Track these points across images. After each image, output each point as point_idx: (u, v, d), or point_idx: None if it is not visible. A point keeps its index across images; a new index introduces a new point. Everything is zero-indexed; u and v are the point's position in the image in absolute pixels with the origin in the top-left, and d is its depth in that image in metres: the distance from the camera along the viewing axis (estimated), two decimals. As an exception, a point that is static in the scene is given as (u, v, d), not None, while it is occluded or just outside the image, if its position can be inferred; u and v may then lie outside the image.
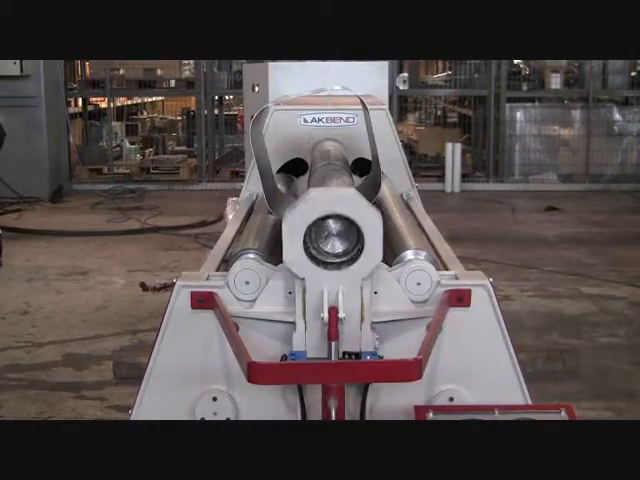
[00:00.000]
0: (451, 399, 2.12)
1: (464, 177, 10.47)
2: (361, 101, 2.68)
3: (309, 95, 2.92)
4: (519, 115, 10.53)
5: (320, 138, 3.10)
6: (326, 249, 2.06)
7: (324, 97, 3.17)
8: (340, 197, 1.96)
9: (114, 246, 7.27)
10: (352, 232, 2.03)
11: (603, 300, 5.52)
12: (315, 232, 2.04)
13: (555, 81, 10.50)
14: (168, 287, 2.12)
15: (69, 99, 10.87)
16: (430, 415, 1.96)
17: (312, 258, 2.03)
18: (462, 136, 11.11)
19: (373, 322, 2.04)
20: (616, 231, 7.73)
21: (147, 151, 11.79)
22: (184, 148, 12.06)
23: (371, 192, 2.52)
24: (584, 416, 3.18)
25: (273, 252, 2.32)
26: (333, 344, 1.96)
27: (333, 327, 1.96)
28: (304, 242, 2.02)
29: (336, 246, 2.06)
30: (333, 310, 1.95)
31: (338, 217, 1.98)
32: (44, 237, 7.58)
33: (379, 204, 2.76)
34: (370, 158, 2.91)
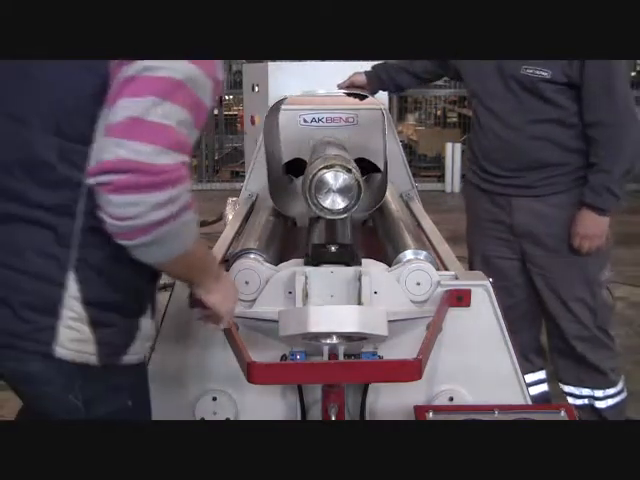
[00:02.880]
0: (451, 399, 2.13)
1: (464, 177, 10.46)
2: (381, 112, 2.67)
3: (310, 95, 2.94)
4: (519, 115, 10.51)
5: (320, 138, 3.10)
6: (325, 204, 2.07)
7: (324, 97, 3.18)
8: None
9: (114, 246, 7.26)
10: (353, 188, 2.05)
11: (603, 300, 5.51)
12: (315, 188, 2.06)
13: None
14: (168, 287, 2.13)
15: (69, 99, 10.85)
16: (430, 415, 1.96)
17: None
18: (462, 136, 11.10)
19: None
20: (616, 231, 7.72)
21: (147, 151, 11.78)
22: (184, 148, 12.05)
23: (378, 197, 2.53)
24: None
25: (273, 252, 2.32)
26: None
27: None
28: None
29: (336, 202, 2.07)
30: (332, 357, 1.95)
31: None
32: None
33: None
34: (369, 158, 2.92)
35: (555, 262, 2.84)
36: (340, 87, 3.11)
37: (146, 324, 1.66)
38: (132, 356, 1.64)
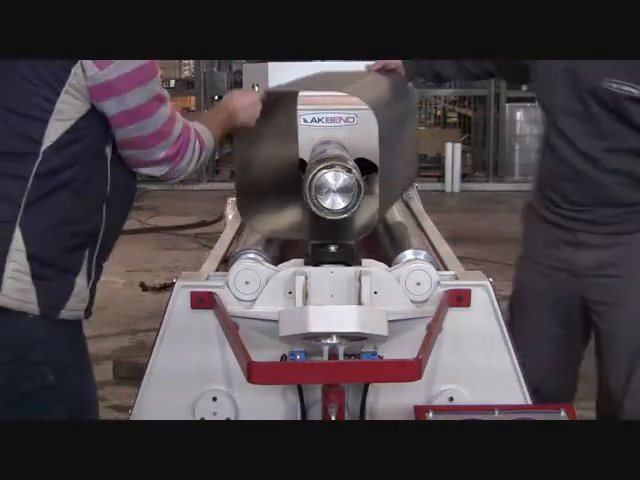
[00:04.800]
0: (451, 399, 2.12)
1: (464, 177, 10.47)
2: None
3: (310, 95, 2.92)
4: (519, 115, 10.52)
5: (320, 138, 3.10)
6: (325, 204, 2.07)
7: (324, 97, 3.17)
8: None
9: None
10: (353, 188, 2.05)
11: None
12: (315, 188, 2.05)
13: (555, 81, 10.47)
14: (168, 287, 2.13)
15: (69, 99, 10.84)
16: (430, 415, 1.96)
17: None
18: (462, 136, 11.11)
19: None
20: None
21: (147, 151, 11.77)
22: (184, 148, 12.03)
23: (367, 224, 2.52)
24: (584, 416, 3.18)
25: (273, 252, 2.32)
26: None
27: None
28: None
29: (336, 202, 2.07)
30: (332, 357, 1.94)
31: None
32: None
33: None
34: (370, 158, 2.91)
35: (620, 312, 2.46)
36: (371, 69, 2.83)
37: (81, 283, 1.88)
38: (69, 312, 1.86)
